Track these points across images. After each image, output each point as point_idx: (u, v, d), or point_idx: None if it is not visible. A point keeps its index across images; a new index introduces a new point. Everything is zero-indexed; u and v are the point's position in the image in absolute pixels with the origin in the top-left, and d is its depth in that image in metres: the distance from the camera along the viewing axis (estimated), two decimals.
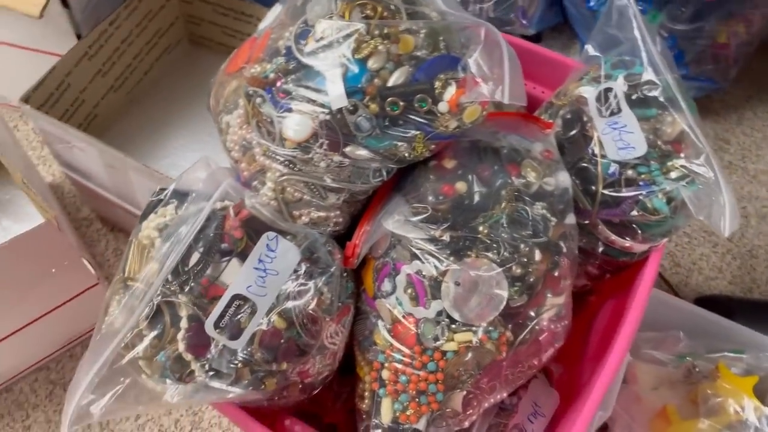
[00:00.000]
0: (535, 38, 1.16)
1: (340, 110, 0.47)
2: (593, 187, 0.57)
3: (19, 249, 0.63)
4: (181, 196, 0.49)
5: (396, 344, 0.50)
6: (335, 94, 0.47)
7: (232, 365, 0.46)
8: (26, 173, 0.76)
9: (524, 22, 1.10)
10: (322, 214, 0.53)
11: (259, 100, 0.50)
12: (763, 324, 0.78)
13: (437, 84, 0.47)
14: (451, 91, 0.47)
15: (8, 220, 0.86)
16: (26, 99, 0.72)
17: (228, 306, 0.46)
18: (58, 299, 0.73)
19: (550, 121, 0.62)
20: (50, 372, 0.82)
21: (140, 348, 0.46)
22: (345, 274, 0.53)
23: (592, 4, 0.96)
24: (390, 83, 0.47)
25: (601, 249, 0.60)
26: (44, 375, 0.81)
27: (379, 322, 0.52)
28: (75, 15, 0.80)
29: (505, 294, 0.49)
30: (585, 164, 0.58)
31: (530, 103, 0.75)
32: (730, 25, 0.97)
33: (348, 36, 0.47)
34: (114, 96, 0.87)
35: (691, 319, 0.71)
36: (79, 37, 0.81)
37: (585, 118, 0.59)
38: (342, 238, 0.55)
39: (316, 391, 0.53)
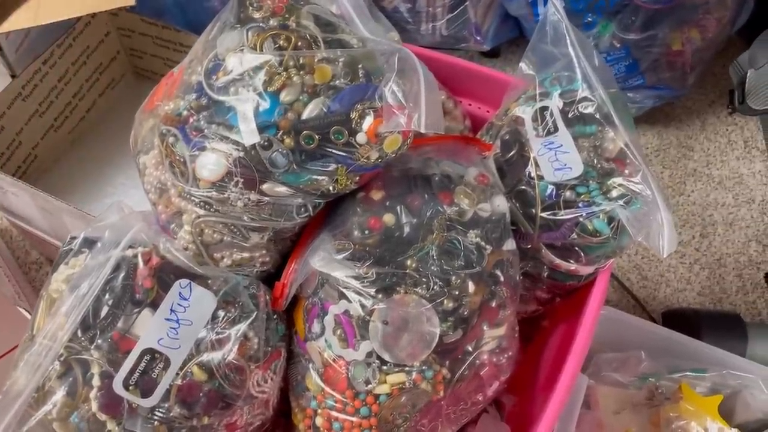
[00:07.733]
0: (492, 53, 1.15)
1: (253, 146, 0.45)
2: (533, 211, 0.55)
3: None
4: (91, 244, 0.47)
5: (327, 389, 0.48)
6: (247, 130, 0.45)
7: (147, 425, 0.43)
8: None
9: (478, 38, 1.08)
10: (245, 255, 0.50)
11: (172, 139, 0.48)
12: (732, 336, 0.76)
13: (354, 115, 0.45)
14: (369, 121, 0.45)
15: None
16: None
17: (138, 362, 0.43)
18: None
19: (491, 142, 0.60)
20: None
21: (53, 408, 0.44)
22: (275, 317, 0.50)
23: (540, 18, 0.95)
24: (304, 116, 0.45)
25: (546, 273, 0.57)
26: None
27: (311, 366, 0.49)
28: (8, 56, 0.78)
29: (436, 330, 0.46)
30: (523, 187, 0.55)
31: (475, 124, 0.74)
32: (683, 31, 0.95)
33: (259, 68, 0.45)
34: (54, 135, 0.85)
35: (652, 338, 0.69)
36: (14, 77, 0.79)
37: (522, 139, 0.57)
38: (273, 277, 0.52)
39: None
